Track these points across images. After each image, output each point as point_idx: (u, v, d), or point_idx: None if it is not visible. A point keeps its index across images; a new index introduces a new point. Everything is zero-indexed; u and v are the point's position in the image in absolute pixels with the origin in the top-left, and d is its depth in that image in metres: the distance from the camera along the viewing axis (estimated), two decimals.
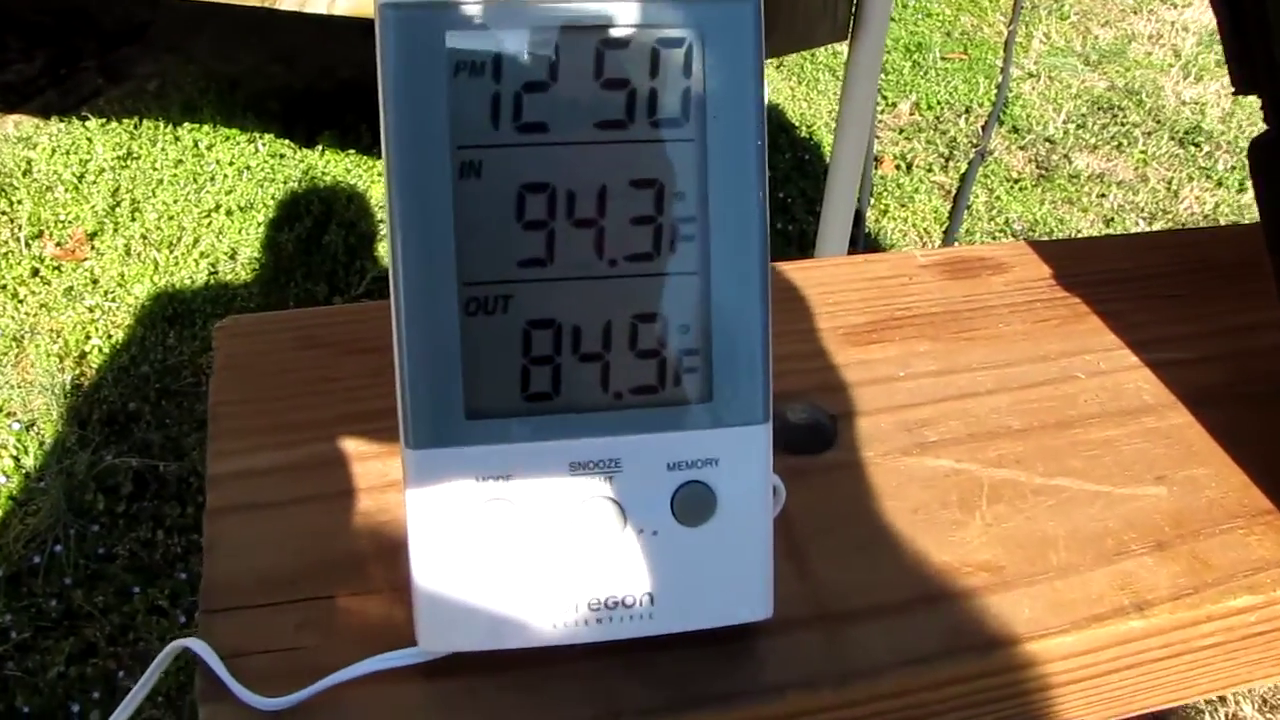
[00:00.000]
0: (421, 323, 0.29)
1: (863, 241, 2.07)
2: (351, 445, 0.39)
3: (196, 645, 0.32)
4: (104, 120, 2.25)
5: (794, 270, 0.49)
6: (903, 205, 2.27)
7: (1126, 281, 0.52)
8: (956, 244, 2.12)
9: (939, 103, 2.62)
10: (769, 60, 1.69)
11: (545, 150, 0.30)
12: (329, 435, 0.39)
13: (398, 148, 0.29)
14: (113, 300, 1.86)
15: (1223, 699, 1.42)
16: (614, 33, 0.29)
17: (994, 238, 2.19)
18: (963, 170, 2.39)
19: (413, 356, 0.29)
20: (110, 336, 1.80)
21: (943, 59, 2.82)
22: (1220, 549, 0.38)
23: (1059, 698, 0.37)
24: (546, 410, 0.30)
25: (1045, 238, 2.13)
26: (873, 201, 2.25)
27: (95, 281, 1.90)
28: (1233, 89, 0.42)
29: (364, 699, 0.32)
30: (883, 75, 2.54)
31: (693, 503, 0.31)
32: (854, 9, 1.46)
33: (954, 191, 2.33)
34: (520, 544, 0.31)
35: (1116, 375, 0.46)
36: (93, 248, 1.96)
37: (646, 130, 0.30)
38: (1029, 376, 0.45)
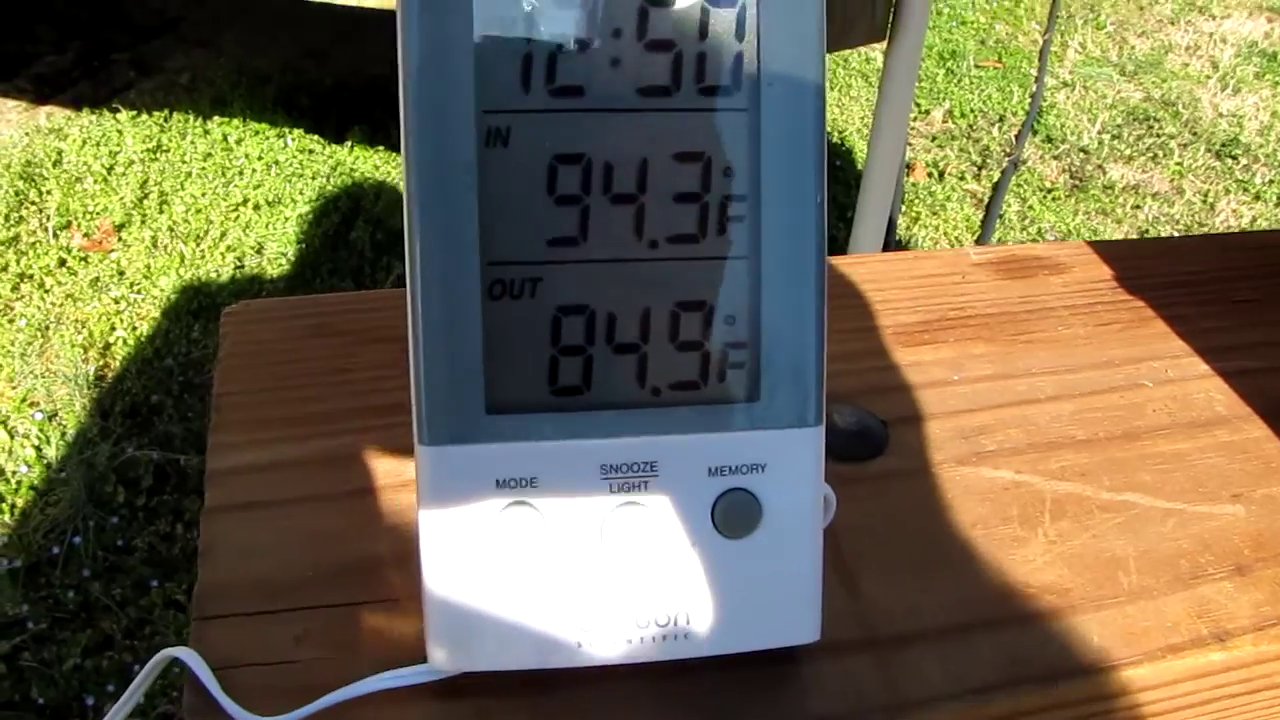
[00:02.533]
0: (440, 306, 0.27)
1: (893, 249, 2.03)
2: (364, 441, 0.36)
3: (186, 655, 0.30)
4: (134, 113, 2.24)
5: (839, 265, 0.46)
6: (934, 213, 2.23)
7: (1194, 285, 0.48)
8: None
9: (972, 110, 2.58)
10: None
11: (580, 117, 0.27)
12: (340, 430, 0.37)
13: (417, 111, 0.26)
14: (138, 292, 1.85)
15: None
16: None
17: None
18: (995, 179, 2.34)
19: (429, 343, 0.27)
20: (135, 328, 1.79)
21: (977, 67, 2.78)
22: None
23: None
24: (576, 406, 0.27)
25: None
26: (904, 209, 2.21)
27: (121, 273, 1.89)
28: None
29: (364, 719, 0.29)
30: (916, 82, 2.50)
31: (736, 512, 0.28)
32: (892, 11, 1.43)
33: (986, 200, 2.29)
34: (544, 555, 0.28)
35: (1186, 384, 0.42)
36: (120, 239, 1.95)
37: (694, 98, 0.27)
38: (1092, 383, 0.42)
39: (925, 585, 0.33)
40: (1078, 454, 0.39)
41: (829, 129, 2.43)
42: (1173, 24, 3.09)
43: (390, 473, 0.35)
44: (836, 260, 0.47)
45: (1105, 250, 0.49)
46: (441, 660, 0.29)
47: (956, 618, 0.32)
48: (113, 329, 1.80)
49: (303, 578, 0.32)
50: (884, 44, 1.48)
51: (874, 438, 0.38)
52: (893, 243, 2.03)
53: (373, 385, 0.38)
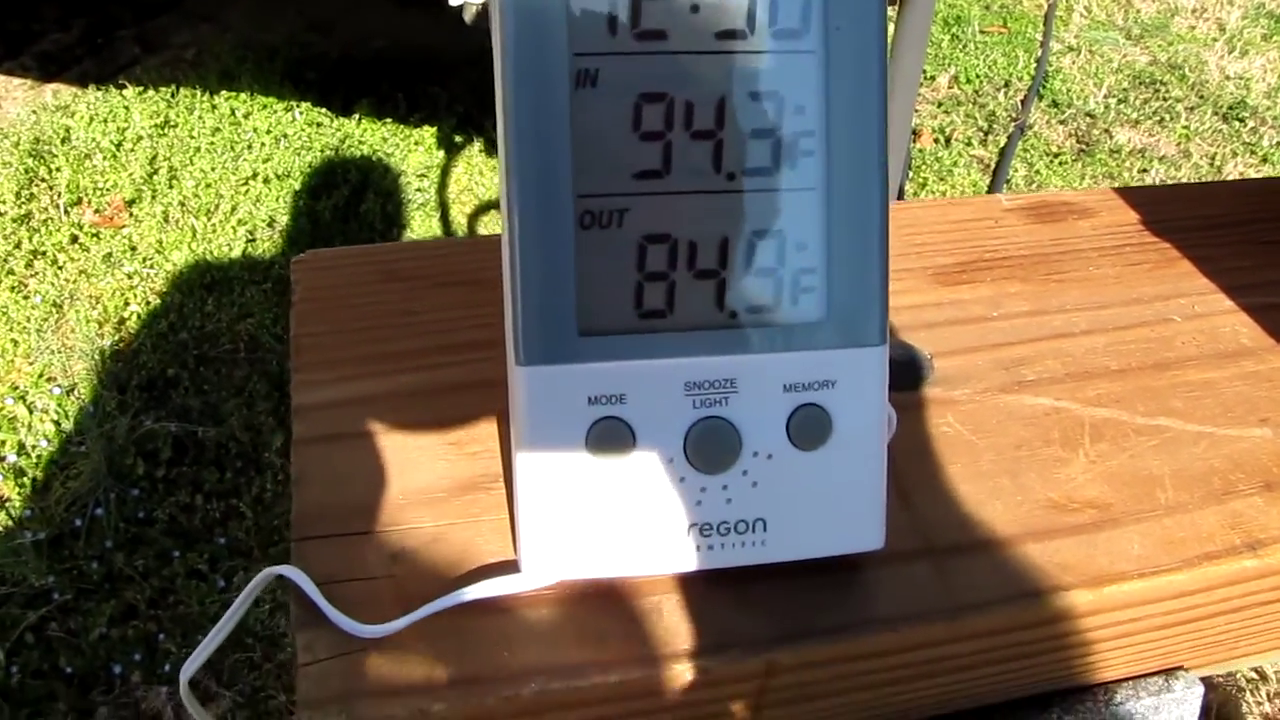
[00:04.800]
0: (535, 236, 0.29)
1: None
2: (439, 376, 0.38)
3: (291, 572, 0.32)
4: (141, 89, 2.25)
5: None
6: (941, 179, 2.25)
7: (1217, 228, 0.50)
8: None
9: (978, 76, 2.59)
10: None
11: (663, 59, 0.29)
12: (416, 367, 0.39)
13: (515, 55, 0.28)
14: (151, 267, 1.86)
15: (1264, 676, 1.41)
16: None
17: None
18: (1002, 144, 2.35)
19: (526, 271, 0.29)
20: (149, 303, 1.80)
21: (982, 32, 2.78)
22: None
23: (1165, 640, 0.36)
24: (661, 329, 0.30)
25: None
26: (911, 175, 2.22)
27: (134, 248, 1.90)
28: None
29: (465, 628, 0.31)
30: (925, 48, 2.51)
31: (809, 426, 0.30)
32: None
33: (993, 165, 2.30)
34: (631, 467, 0.30)
35: (1213, 319, 0.45)
36: (131, 215, 1.97)
37: (767, 41, 0.29)
38: (1123, 318, 0.44)
39: (976, 501, 0.36)
40: (1112, 383, 0.41)
41: None
42: None
43: (467, 404, 0.37)
44: None
45: (1131, 196, 0.51)
46: (534, 569, 0.31)
47: (1006, 530, 0.35)
48: (127, 304, 1.81)
49: (393, 502, 0.34)
50: (894, 9, 1.49)
51: (919, 367, 0.40)
52: None
53: (442, 325, 0.40)
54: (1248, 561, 0.35)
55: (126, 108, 2.20)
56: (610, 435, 0.29)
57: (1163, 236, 0.49)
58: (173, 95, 2.23)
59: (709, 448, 0.30)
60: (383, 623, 0.30)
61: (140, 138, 2.12)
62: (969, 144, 2.36)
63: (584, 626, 0.31)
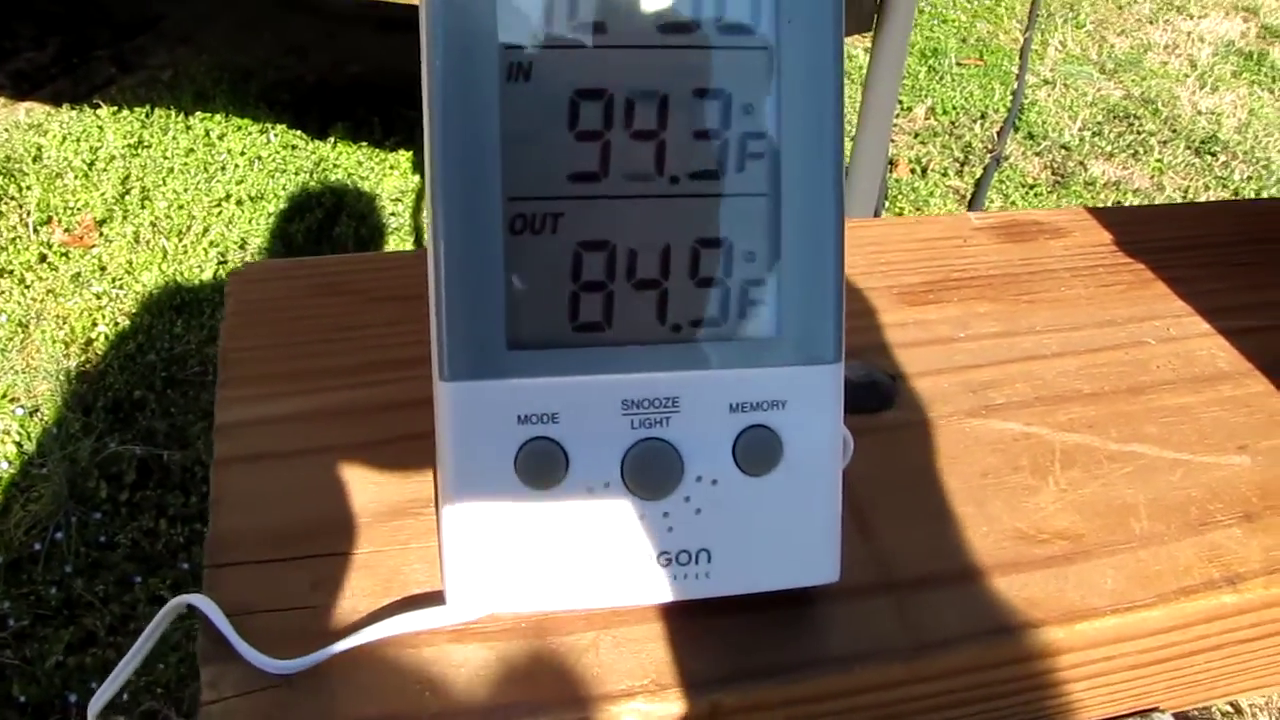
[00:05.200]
0: (461, 242, 0.26)
1: None
2: (373, 394, 0.36)
3: (199, 601, 0.29)
4: (116, 108, 2.22)
5: None
6: (917, 209, 2.24)
7: (1192, 249, 0.49)
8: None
9: (954, 108, 2.60)
10: None
11: (602, 53, 0.27)
12: (348, 384, 0.37)
13: (440, 46, 0.26)
14: (120, 288, 1.83)
15: (1239, 709, 1.39)
16: None
17: None
18: (978, 175, 2.35)
19: (450, 279, 0.26)
20: (117, 324, 1.77)
21: (958, 64, 2.79)
22: None
23: (1140, 680, 0.34)
24: (597, 342, 0.27)
25: None
26: (888, 205, 2.22)
27: (103, 268, 1.87)
28: None
29: (385, 664, 0.28)
30: (901, 77, 2.52)
31: (757, 449, 0.28)
32: (878, 1, 1.43)
33: (969, 196, 2.30)
34: (564, 493, 0.28)
35: (1189, 342, 0.43)
36: (101, 235, 1.94)
37: (714, 35, 0.27)
38: (1096, 340, 0.42)
39: (939, 531, 0.33)
40: (1085, 407, 0.39)
41: None
42: (1151, 23, 3.12)
43: (399, 424, 0.35)
44: None
45: (1104, 216, 0.50)
46: (460, 603, 0.29)
47: (972, 562, 0.33)
48: (94, 324, 1.78)
49: (314, 526, 0.32)
50: (870, 38, 1.48)
51: (882, 390, 0.38)
52: None
53: (380, 341, 0.38)
54: (1226, 597, 0.33)
55: (100, 127, 2.18)
56: (541, 457, 0.27)
57: (1137, 257, 0.47)
58: (147, 115, 2.21)
59: (648, 472, 0.28)
60: (296, 657, 0.28)
61: (113, 157, 2.10)
62: (945, 174, 2.36)
63: (513, 664, 0.29)
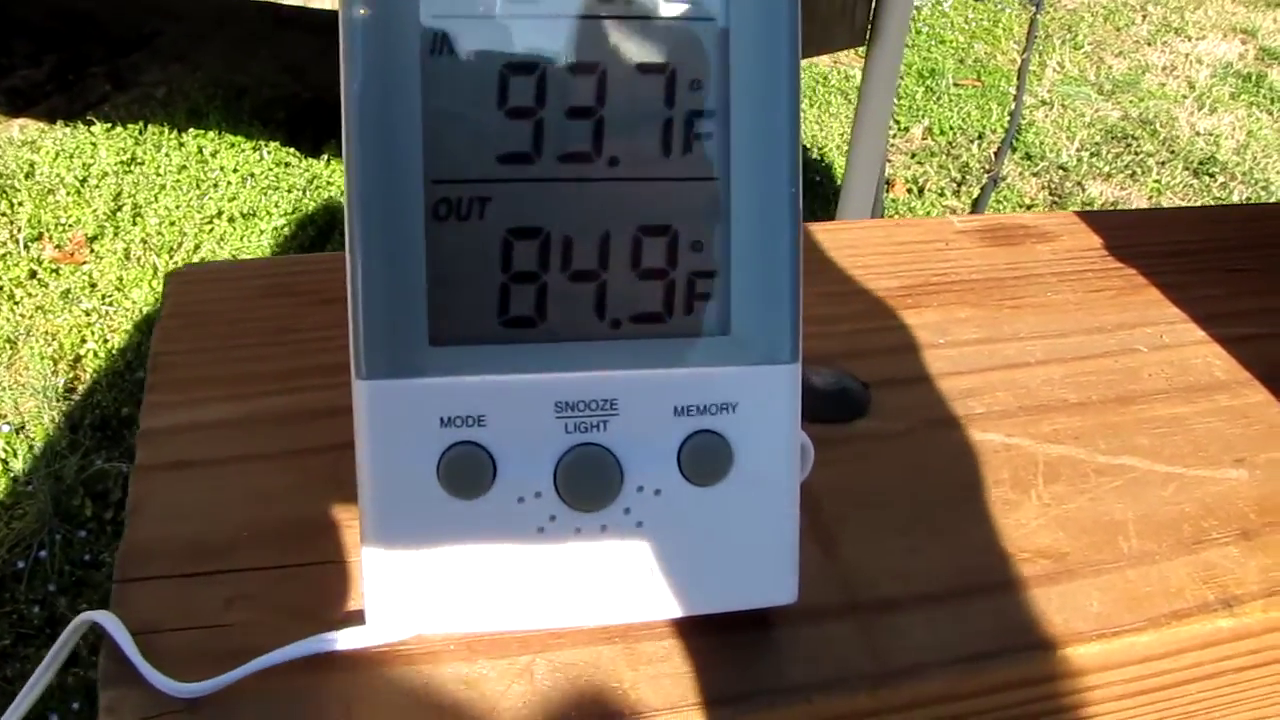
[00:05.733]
0: (379, 228, 0.24)
1: None
2: (307, 400, 0.34)
3: (103, 618, 0.27)
4: (109, 125, 2.21)
5: (818, 231, 0.44)
6: None
7: (1185, 254, 0.46)
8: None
9: (952, 128, 2.58)
10: None
11: (532, 24, 0.24)
12: (282, 389, 0.34)
13: (355, 18, 0.24)
14: (110, 305, 1.82)
15: None
16: None
17: None
18: (975, 195, 2.34)
19: (368, 267, 0.24)
20: (106, 341, 1.75)
21: (956, 85, 2.78)
22: None
23: (1128, 711, 0.31)
24: (528, 339, 0.25)
25: None
26: None
27: (93, 285, 1.85)
28: None
29: (300, 688, 0.26)
30: (895, 99, 2.50)
31: (704, 456, 0.26)
32: (871, 15, 1.42)
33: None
34: (492, 503, 0.25)
35: (1182, 349, 0.40)
36: (92, 251, 1.92)
37: (658, 4, 0.25)
38: (1084, 348, 0.40)
39: (911, 549, 0.31)
40: (1070, 417, 0.36)
41: (809, 144, 2.42)
42: (1149, 45, 3.11)
43: (333, 432, 0.33)
44: (812, 226, 0.45)
45: (1094, 220, 0.47)
46: (381, 623, 0.26)
47: (945, 582, 0.30)
48: (83, 341, 1.76)
49: (235, 539, 0.30)
50: (862, 51, 1.47)
51: (854, 399, 0.35)
52: None
53: (320, 345, 0.36)
54: (1222, 621, 0.30)
55: (93, 144, 2.17)
56: (466, 463, 0.25)
57: (1128, 262, 0.45)
58: (140, 132, 2.20)
59: (584, 480, 0.25)
60: (204, 680, 0.26)
61: (106, 174, 2.09)
62: (942, 194, 2.35)
63: (439, 690, 0.26)
